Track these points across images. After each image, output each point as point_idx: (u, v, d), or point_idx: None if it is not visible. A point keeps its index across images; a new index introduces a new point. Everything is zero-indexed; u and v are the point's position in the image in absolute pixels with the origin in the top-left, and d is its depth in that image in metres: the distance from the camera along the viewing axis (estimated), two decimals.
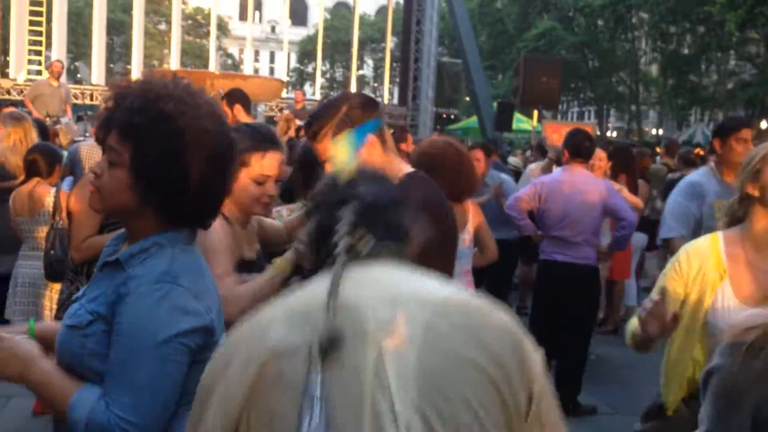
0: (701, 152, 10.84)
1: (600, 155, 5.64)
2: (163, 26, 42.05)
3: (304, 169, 3.19)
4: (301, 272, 2.29)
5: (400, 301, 1.11)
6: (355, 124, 2.18)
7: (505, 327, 1.13)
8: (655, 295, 2.06)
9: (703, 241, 2.33)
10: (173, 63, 22.22)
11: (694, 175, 4.04)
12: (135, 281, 1.42)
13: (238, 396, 1.08)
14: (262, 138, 2.33)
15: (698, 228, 3.69)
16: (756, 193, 2.22)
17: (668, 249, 3.87)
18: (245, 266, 2.30)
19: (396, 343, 1.06)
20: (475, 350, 1.08)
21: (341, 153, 1.33)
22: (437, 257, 2.03)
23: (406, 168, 2.32)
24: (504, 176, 6.45)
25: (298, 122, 7.49)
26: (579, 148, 4.85)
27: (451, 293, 1.16)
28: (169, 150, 1.43)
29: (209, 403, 1.11)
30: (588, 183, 4.81)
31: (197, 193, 1.47)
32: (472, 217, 3.95)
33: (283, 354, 1.07)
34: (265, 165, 2.29)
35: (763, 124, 29.49)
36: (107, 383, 1.39)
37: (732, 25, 22.41)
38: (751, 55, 27.97)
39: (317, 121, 2.19)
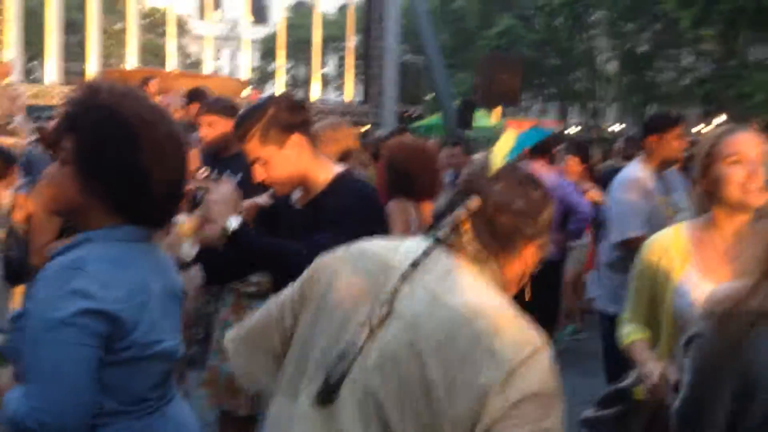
0: None
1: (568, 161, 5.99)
2: (120, 25, 41.47)
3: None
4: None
5: (431, 294, 1.27)
6: (283, 126, 2.24)
7: (495, 372, 1.19)
8: (651, 368, 2.13)
9: (666, 232, 2.36)
10: (131, 62, 21.92)
11: (632, 171, 4.03)
12: (44, 271, 1.42)
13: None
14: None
15: (648, 223, 3.73)
16: (708, 189, 2.23)
17: (633, 247, 3.90)
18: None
19: (389, 336, 1.26)
20: (435, 372, 1.20)
21: (504, 146, 1.40)
22: None
23: (336, 168, 2.38)
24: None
25: None
26: (539, 144, 4.93)
27: (479, 316, 1.23)
28: (106, 137, 1.44)
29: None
30: (546, 179, 4.89)
31: (141, 186, 1.47)
32: None
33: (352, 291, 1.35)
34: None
35: (720, 119, 30.18)
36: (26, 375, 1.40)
37: (687, 23, 22.82)
38: (707, 52, 28.54)
39: (245, 122, 2.27)
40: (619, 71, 32.57)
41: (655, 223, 3.67)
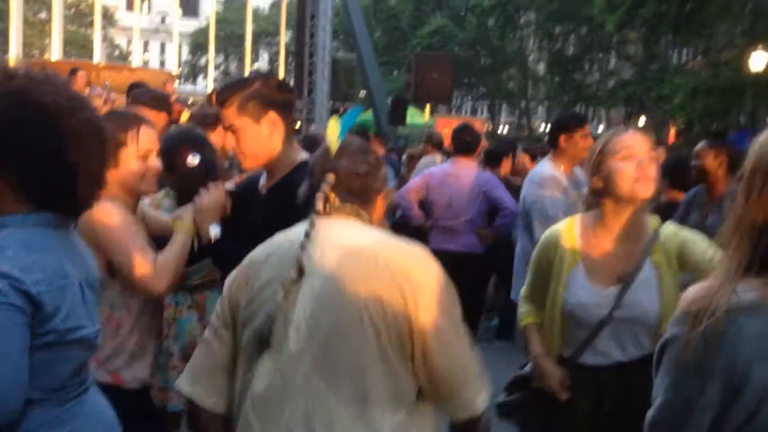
0: None
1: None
2: (44, 15, 40.05)
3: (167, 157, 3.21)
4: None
5: (333, 246, 1.66)
6: (263, 101, 2.30)
7: (398, 272, 1.61)
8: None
9: (560, 226, 2.49)
10: (55, 53, 21.23)
11: (546, 169, 4.15)
12: None
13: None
14: (132, 116, 2.39)
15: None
16: (601, 185, 2.34)
17: None
18: None
19: (312, 276, 1.63)
20: (361, 291, 1.59)
21: (333, 131, 1.78)
22: None
23: (303, 155, 2.41)
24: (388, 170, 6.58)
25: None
26: (462, 143, 5.06)
27: (372, 243, 1.67)
28: (18, 122, 1.43)
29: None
30: (471, 175, 5.01)
31: (55, 172, 1.47)
32: None
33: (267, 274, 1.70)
34: (143, 139, 2.32)
35: (642, 121, 31.23)
36: None
37: (611, 27, 23.55)
38: (630, 55, 29.48)
39: (228, 89, 2.37)
40: (549, 72, 33.33)
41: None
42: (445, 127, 10.82)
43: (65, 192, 1.51)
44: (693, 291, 1.32)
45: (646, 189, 2.30)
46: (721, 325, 1.23)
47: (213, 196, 2.36)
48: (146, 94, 4.14)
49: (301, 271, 1.62)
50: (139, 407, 2.32)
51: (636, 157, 2.30)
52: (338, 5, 22.81)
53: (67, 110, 1.48)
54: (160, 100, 4.15)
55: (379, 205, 1.81)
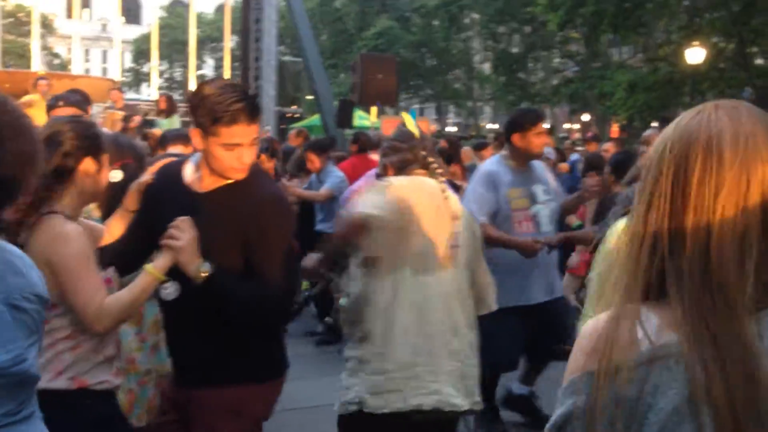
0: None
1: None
2: None
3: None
4: (175, 276, 2.26)
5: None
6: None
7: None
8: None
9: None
10: None
11: (488, 165, 4.31)
12: None
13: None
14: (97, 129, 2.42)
15: (495, 214, 4.01)
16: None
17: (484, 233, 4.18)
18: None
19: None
20: (471, 219, 3.11)
21: (410, 123, 2.69)
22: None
23: None
24: (337, 172, 6.60)
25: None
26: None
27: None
28: None
29: None
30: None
31: None
32: None
33: None
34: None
35: (585, 117, 31.81)
36: None
37: (553, 25, 23.99)
38: (573, 54, 30.07)
39: (257, 103, 2.35)
40: (494, 71, 33.75)
41: (503, 212, 4.02)
42: (392, 128, 10.87)
43: None
44: (588, 333, 1.02)
45: None
46: (637, 379, 0.95)
47: (186, 232, 2.22)
48: (74, 96, 4.13)
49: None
50: (105, 411, 2.28)
51: None
52: (283, 9, 22.74)
53: None
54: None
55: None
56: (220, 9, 44.38)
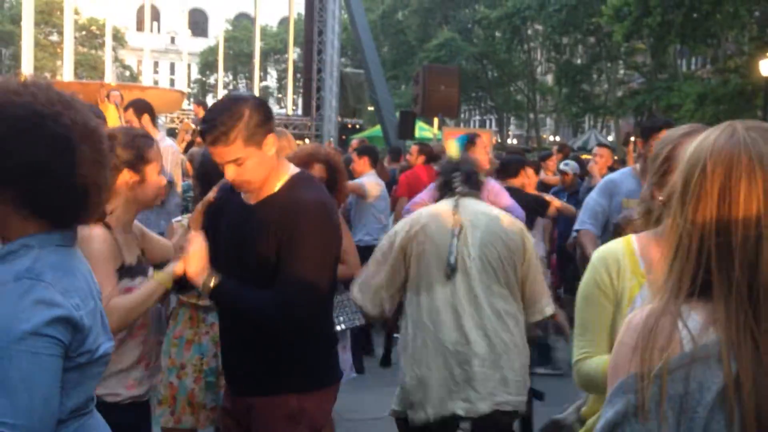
0: (587, 156, 11.35)
1: (601, 152, 6.62)
2: (55, 37, 40.51)
3: (203, 179, 3.24)
4: (181, 286, 2.34)
5: (477, 212, 3.08)
6: (262, 126, 2.28)
7: (518, 230, 3.09)
8: None
9: (616, 246, 1.98)
10: (66, 74, 21.45)
11: (614, 174, 4.31)
12: None
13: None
14: (146, 133, 2.48)
15: (607, 224, 3.95)
16: (662, 199, 1.82)
17: (577, 241, 4.21)
18: (126, 271, 2.33)
19: (473, 227, 3.03)
20: (503, 234, 3.03)
21: (453, 148, 3.13)
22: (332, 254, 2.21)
23: (293, 168, 2.45)
24: (367, 186, 6.49)
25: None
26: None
27: (497, 213, 3.14)
28: (2, 136, 1.37)
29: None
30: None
31: (46, 180, 1.40)
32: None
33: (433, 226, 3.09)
34: (159, 155, 2.43)
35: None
36: None
37: (619, 36, 23.56)
38: (638, 65, 29.46)
39: (224, 124, 2.23)
40: (557, 83, 33.32)
41: (611, 222, 3.84)
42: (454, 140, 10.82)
43: (65, 201, 1.44)
44: (633, 327, 1.09)
45: None
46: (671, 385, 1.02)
47: (196, 246, 2.27)
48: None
49: (461, 228, 3.00)
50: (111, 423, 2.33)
51: None
52: (345, 21, 22.97)
53: (48, 117, 1.39)
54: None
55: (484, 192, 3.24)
56: (283, 22, 45.17)
